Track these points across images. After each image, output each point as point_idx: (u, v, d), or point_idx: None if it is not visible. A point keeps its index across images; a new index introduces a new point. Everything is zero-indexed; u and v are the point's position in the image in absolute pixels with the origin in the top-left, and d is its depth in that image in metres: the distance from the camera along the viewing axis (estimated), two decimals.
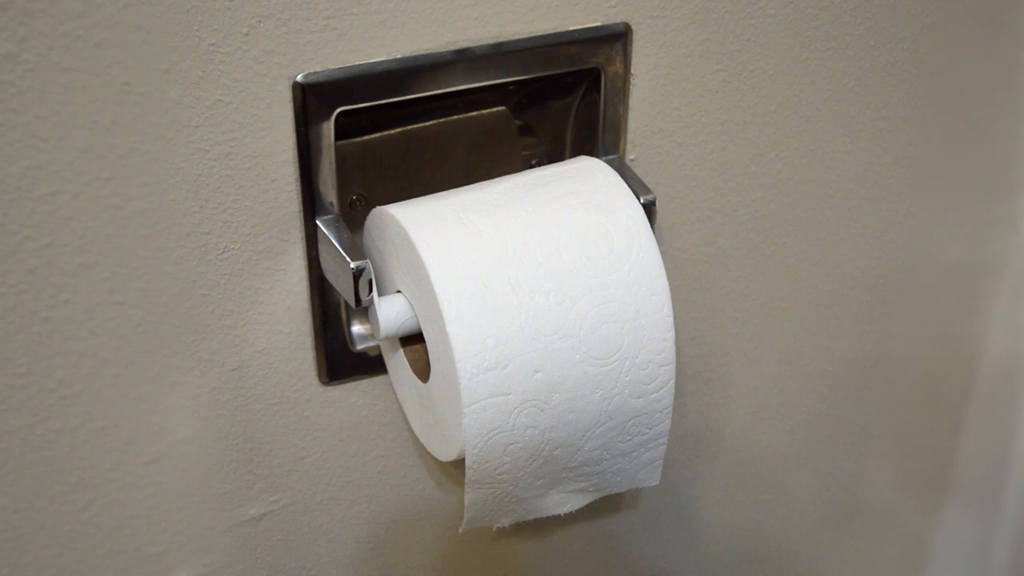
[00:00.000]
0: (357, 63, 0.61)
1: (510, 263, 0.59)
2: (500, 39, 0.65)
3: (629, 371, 0.62)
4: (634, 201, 0.63)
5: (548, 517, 0.68)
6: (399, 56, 0.62)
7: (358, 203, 0.68)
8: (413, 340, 0.64)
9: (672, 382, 0.65)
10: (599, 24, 0.67)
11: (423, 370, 0.64)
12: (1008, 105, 0.89)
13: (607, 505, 0.86)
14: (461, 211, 0.61)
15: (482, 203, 0.62)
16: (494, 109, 0.69)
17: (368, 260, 0.61)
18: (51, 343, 0.60)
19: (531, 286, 0.59)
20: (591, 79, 0.69)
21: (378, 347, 0.69)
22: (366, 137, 0.66)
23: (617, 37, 0.67)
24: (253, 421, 0.68)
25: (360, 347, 0.69)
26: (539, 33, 0.65)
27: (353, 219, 0.67)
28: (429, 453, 0.67)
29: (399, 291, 0.62)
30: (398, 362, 0.67)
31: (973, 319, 0.99)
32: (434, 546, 0.80)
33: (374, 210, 0.63)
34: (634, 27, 0.68)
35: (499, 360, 0.59)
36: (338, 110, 0.62)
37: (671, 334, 0.63)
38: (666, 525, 0.91)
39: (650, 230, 0.63)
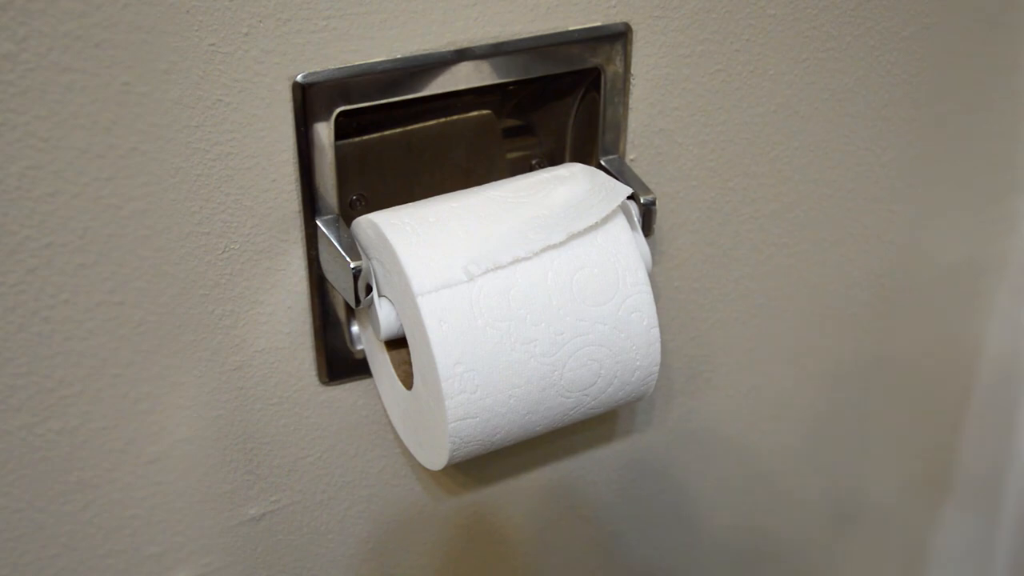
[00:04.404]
0: (357, 63, 0.61)
1: (498, 286, 0.59)
2: (500, 39, 0.65)
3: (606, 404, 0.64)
4: (630, 236, 0.62)
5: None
6: (399, 56, 0.62)
7: (358, 203, 0.68)
8: (397, 343, 0.64)
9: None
10: (599, 24, 0.67)
11: (406, 375, 0.64)
12: (1008, 105, 0.89)
13: (608, 505, 0.86)
14: (450, 222, 0.60)
15: (471, 213, 0.61)
16: (480, 112, 0.69)
17: (369, 260, 0.61)
18: (51, 343, 0.60)
19: (520, 314, 0.59)
20: (591, 79, 0.69)
21: None
22: (366, 137, 0.66)
23: (617, 37, 0.67)
24: (253, 421, 0.68)
25: (360, 347, 0.69)
26: (539, 33, 0.65)
27: (353, 219, 0.67)
28: None
29: (384, 296, 0.62)
30: (382, 364, 0.67)
31: (973, 319, 0.99)
32: (434, 546, 0.80)
33: (357, 219, 0.63)
34: (634, 27, 0.68)
35: (480, 382, 0.59)
36: (338, 110, 0.62)
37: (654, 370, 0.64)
38: (666, 525, 0.91)
39: (646, 275, 0.62)
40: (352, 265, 0.61)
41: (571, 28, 0.66)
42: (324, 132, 0.62)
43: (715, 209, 0.78)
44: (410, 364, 0.62)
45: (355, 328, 0.69)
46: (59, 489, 0.64)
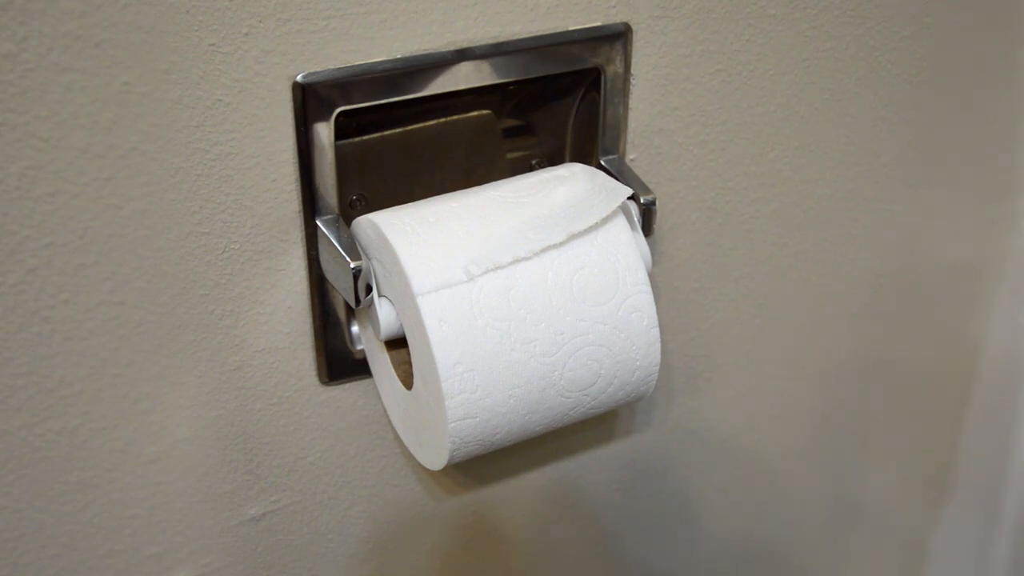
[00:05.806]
0: (357, 63, 0.61)
1: (498, 286, 0.59)
2: (500, 39, 0.65)
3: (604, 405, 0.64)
4: (630, 237, 0.63)
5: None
6: (399, 56, 0.62)
7: (358, 203, 0.68)
8: (397, 343, 0.64)
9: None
10: (599, 24, 0.67)
11: (406, 375, 0.64)
12: (1008, 105, 0.89)
13: (608, 505, 0.86)
14: (450, 222, 0.60)
15: (471, 213, 0.61)
16: (480, 112, 0.69)
17: (369, 260, 0.61)
18: (51, 343, 0.60)
19: (520, 314, 0.59)
20: (591, 79, 0.69)
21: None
22: (366, 137, 0.66)
23: (617, 37, 0.67)
24: (253, 421, 0.68)
25: (360, 347, 0.69)
26: (539, 33, 0.65)
27: (353, 219, 0.67)
28: None
29: (384, 296, 0.62)
30: (382, 364, 0.67)
31: (973, 319, 0.99)
32: (434, 546, 0.80)
33: (357, 219, 0.63)
34: (634, 27, 0.68)
35: (480, 382, 0.59)
36: (338, 110, 0.62)
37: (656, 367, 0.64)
38: (666, 525, 0.91)
39: (646, 275, 0.62)
40: (352, 265, 0.61)
41: (571, 28, 0.66)
42: (324, 132, 0.62)
43: (715, 209, 0.78)
44: (410, 364, 0.62)
45: (355, 328, 0.69)
46: (59, 489, 0.64)
